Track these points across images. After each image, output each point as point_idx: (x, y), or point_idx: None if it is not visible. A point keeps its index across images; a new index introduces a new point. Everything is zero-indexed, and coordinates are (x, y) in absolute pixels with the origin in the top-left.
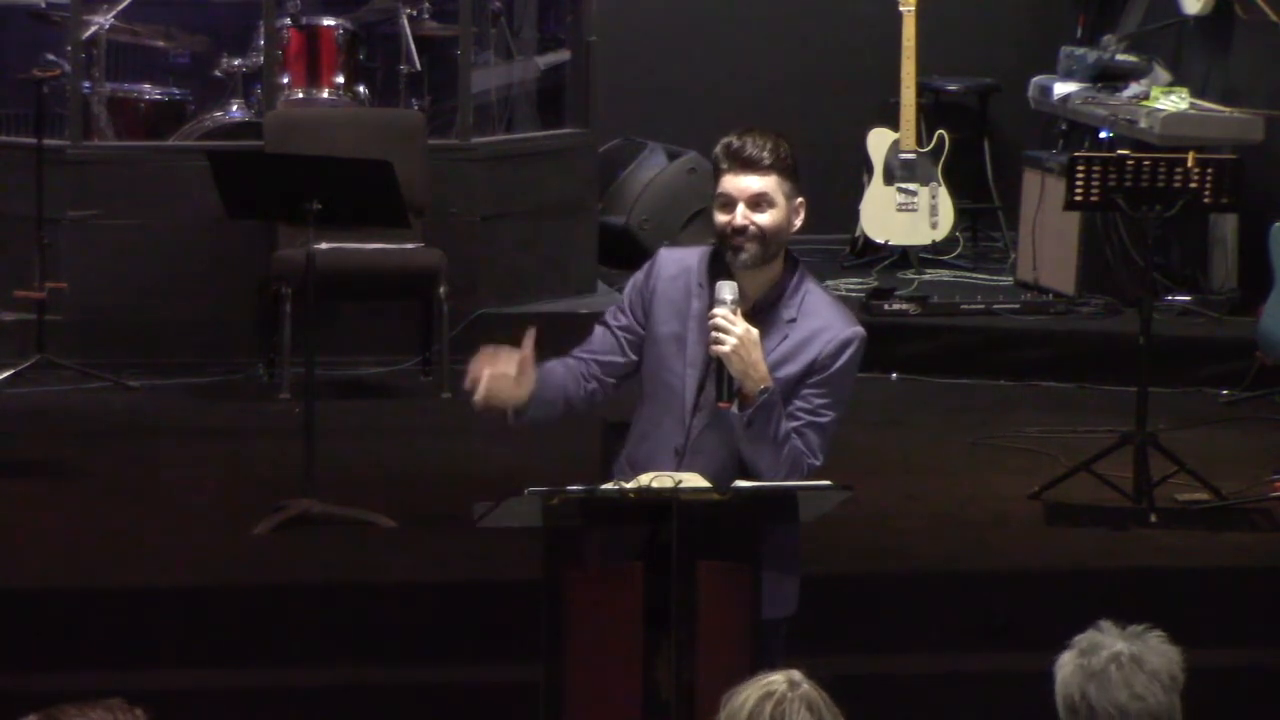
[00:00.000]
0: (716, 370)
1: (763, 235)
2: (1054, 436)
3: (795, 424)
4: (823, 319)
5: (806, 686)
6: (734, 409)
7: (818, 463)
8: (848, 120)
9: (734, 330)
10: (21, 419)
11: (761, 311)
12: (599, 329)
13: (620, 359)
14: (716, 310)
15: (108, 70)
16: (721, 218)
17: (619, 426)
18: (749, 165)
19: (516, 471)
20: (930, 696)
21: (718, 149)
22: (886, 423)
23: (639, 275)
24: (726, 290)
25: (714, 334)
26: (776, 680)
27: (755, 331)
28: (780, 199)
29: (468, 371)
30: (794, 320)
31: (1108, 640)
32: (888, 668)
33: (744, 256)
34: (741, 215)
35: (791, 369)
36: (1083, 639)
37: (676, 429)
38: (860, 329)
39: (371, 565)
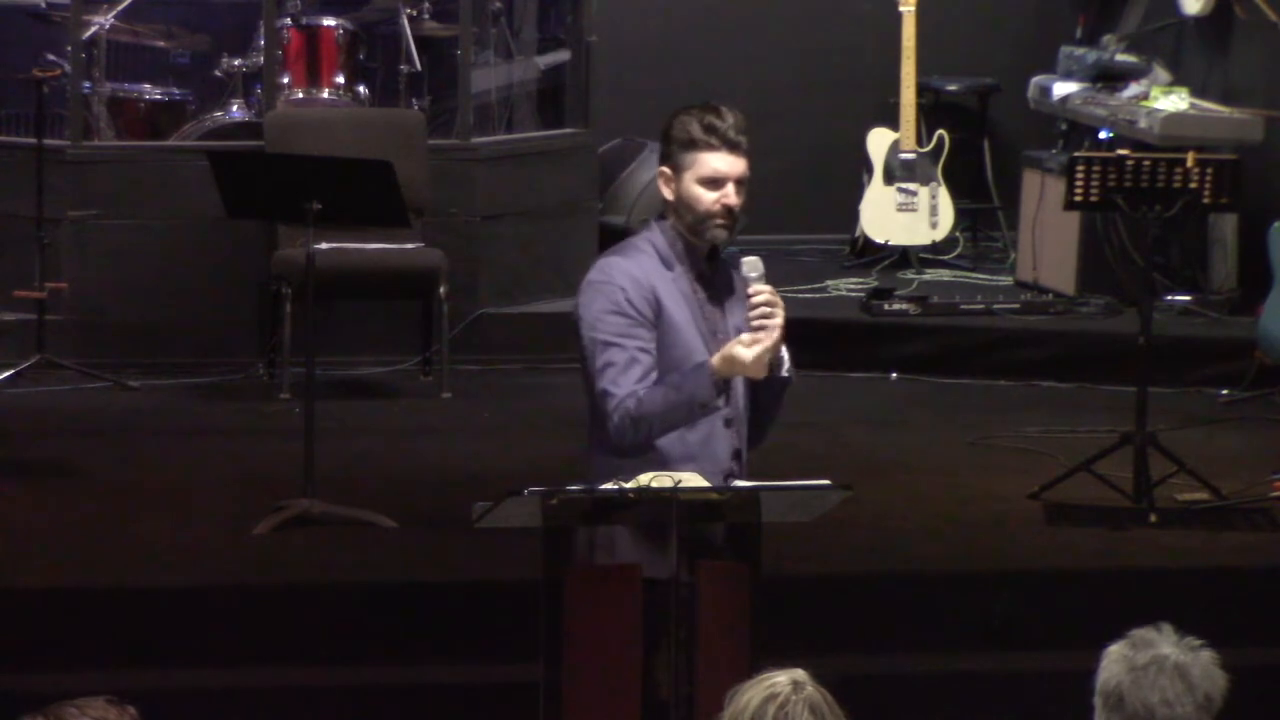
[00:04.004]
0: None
1: (738, 215)
2: (1054, 436)
3: None
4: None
5: (810, 689)
6: (783, 372)
7: None
8: (848, 120)
9: (778, 302)
10: (21, 419)
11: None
12: (624, 358)
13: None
14: (761, 288)
15: (108, 70)
16: (708, 195)
17: None
18: (735, 147)
19: (516, 471)
20: (930, 696)
21: (693, 125)
22: (886, 423)
23: (623, 288)
24: (757, 267)
25: (763, 310)
26: (780, 681)
27: None
28: None
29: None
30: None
31: (1160, 641)
32: (888, 668)
33: (726, 234)
34: (735, 195)
35: None
36: (1137, 633)
37: (721, 403)
38: None
39: (371, 565)
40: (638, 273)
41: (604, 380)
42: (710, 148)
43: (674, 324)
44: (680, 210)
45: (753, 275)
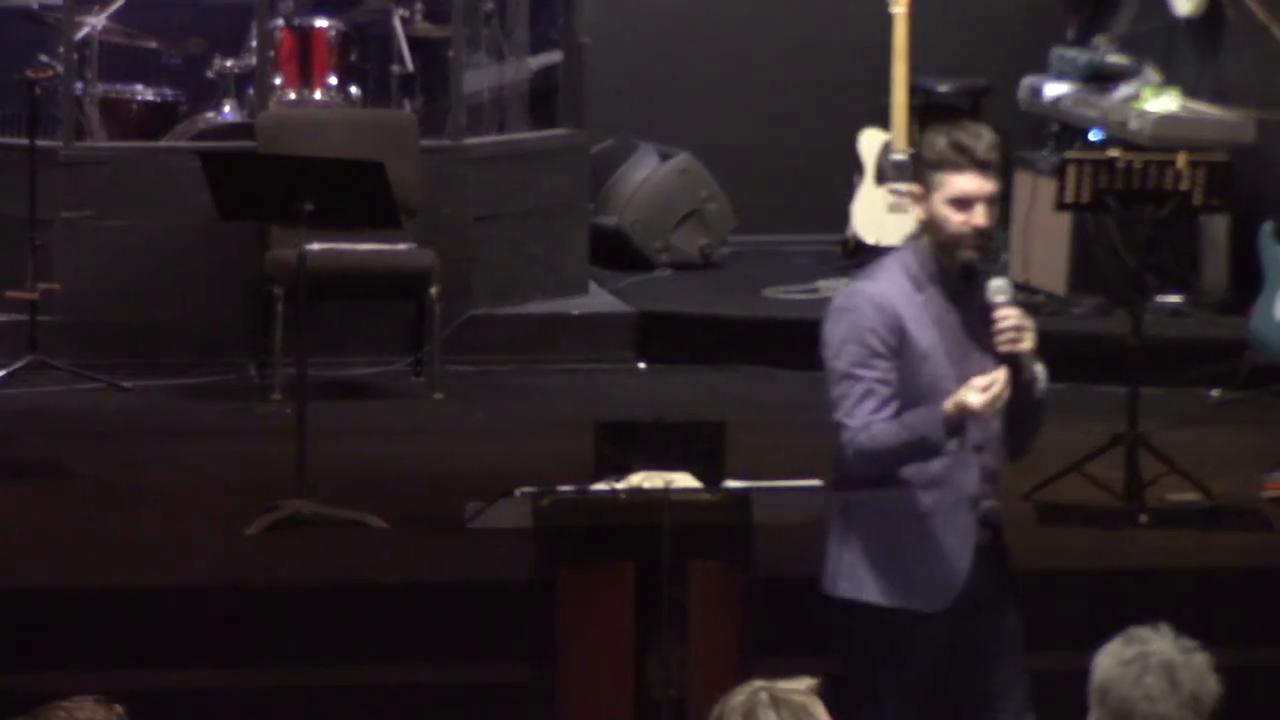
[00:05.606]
0: (1007, 366)
1: (990, 235)
2: (1046, 437)
3: None
4: None
5: (785, 693)
6: (1037, 393)
7: None
8: (839, 121)
9: (1027, 325)
10: (14, 419)
11: None
12: (860, 390)
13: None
14: (1010, 311)
15: (101, 71)
16: (957, 217)
17: (612, 426)
18: (984, 167)
19: (508, 472)
20: None
21: (941, 143)
22: None
23: (866, 315)
24: (1005, 290)
25: (1011, 334)
26: (757, 685)
27: None
28: None
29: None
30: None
31: (1153, 639)
32: None
33: (976, 255)
34: (984, 215)
35: None
36: (1133, 630)
37: (972, 428)
38: None
39: (363, 566)
40: (882, 299)
41: (839, 411)
42: (958, 168)
43: (919, 351)
44: (930, 230)
45: (1000, 299)
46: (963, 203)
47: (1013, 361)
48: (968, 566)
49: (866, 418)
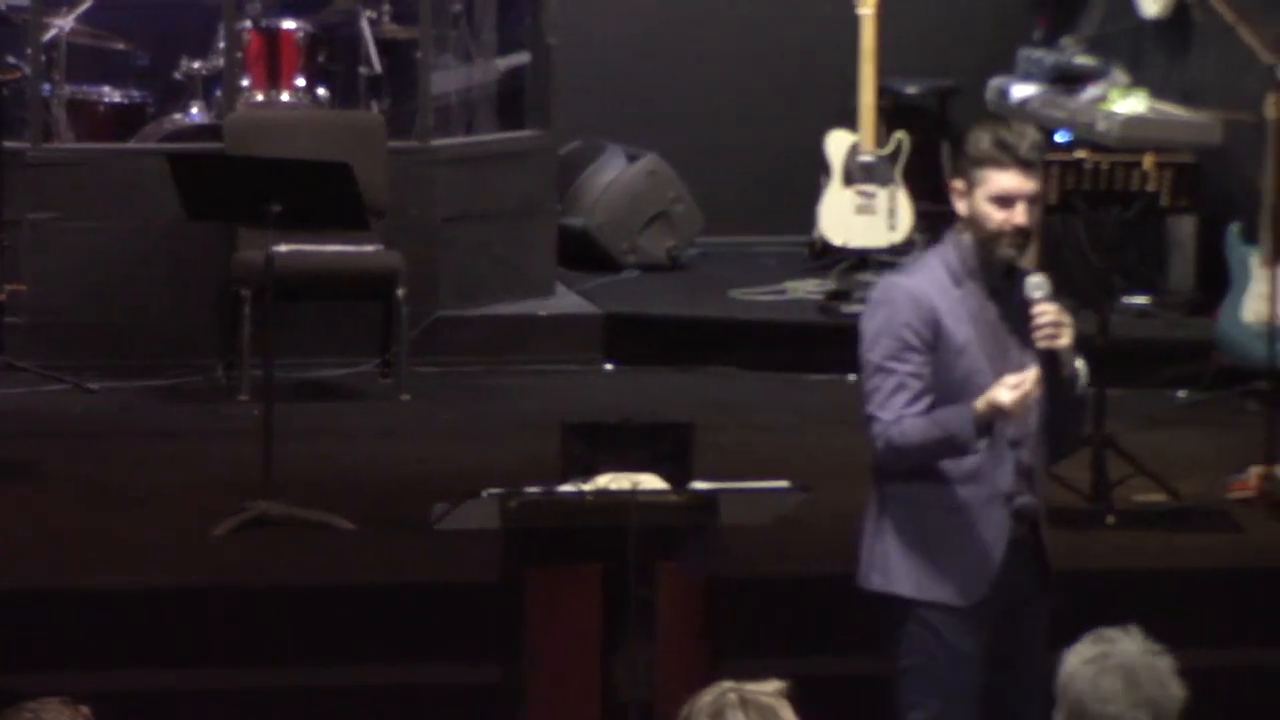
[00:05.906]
0: (1045, 362)
1: (1030, 233)
2: None
3: None
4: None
5: (753, 694)
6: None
7: None
8: (807, 123)
9: (1065, 321)
10: None
11: None
12: (892, 383)
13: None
14: (1047, 307)
15: (68, 72)
16: (998, 214)
17: (579, 427)
18: (1027, 165)
19: (475, 473)
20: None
21: (985, 140)
22: (845, 424)
23: (900, 308)
24: (1043, 286)
25: (1048, 330)
26: (726, 686)
27: None
28: None
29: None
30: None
31: (1119, 640)
32: (867, 668)
33: (1016, 253)
34: (1024, 214)
35: None
36: (1103, 631)
37: (1008, 424)
38: None
39: (330, 567)
40: (918, 292)
41: (871, 404)
42: (1001, 165)
43: (955, 345)
44: (971, 226)
45: (1037, 294)
46: (1004, 200)
47: (1051, 357)
48: (1000, 561)
49: (899, 411)
